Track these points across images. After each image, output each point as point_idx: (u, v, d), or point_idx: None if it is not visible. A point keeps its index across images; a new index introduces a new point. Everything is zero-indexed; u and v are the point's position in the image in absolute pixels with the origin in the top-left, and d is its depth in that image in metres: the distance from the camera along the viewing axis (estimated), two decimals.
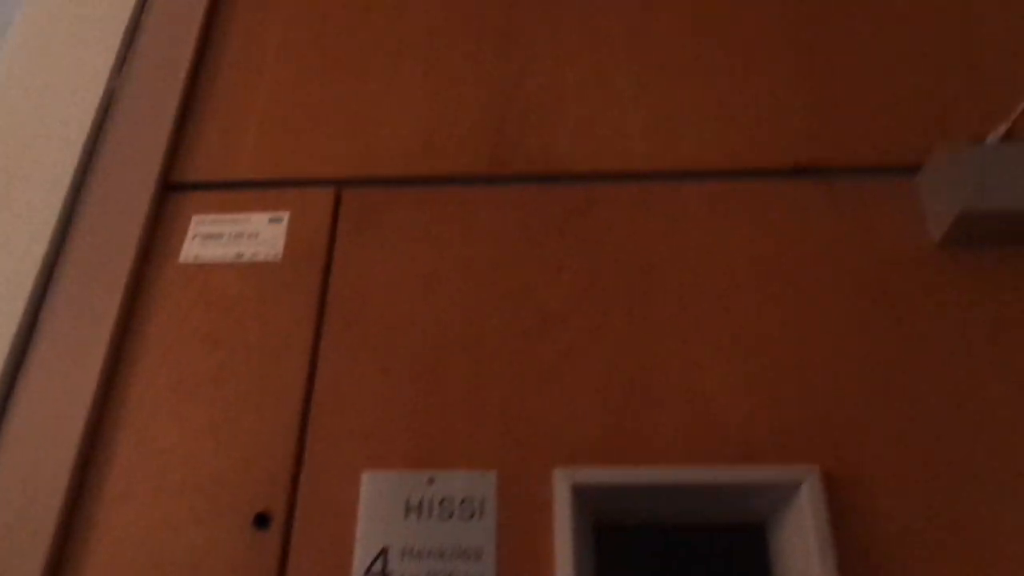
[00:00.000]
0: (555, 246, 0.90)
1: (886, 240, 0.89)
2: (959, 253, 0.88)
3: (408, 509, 0.76)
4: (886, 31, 1.02)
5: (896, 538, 0.74)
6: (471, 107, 0.99)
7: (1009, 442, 0.78)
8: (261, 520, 0.77)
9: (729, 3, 1.05)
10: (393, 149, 0.97)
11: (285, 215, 0.94)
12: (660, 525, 0.81)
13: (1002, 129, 0.89)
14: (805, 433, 0.78)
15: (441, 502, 0.76)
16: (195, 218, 0.96)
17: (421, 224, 0.93)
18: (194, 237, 0.95)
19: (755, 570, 0.80)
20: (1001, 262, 0.87)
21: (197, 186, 0.98)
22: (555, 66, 1.02)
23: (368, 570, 0.74)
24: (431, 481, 0.77)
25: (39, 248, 0.93)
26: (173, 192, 0.98)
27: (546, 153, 0.95)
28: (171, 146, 0.99)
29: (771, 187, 0.93)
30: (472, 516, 0.75)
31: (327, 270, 0.90)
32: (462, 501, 0.76)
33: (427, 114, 0.99)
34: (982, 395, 0.80)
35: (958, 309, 0.85)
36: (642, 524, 0.81)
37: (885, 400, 0.80)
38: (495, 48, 1.03)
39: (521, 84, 1.00)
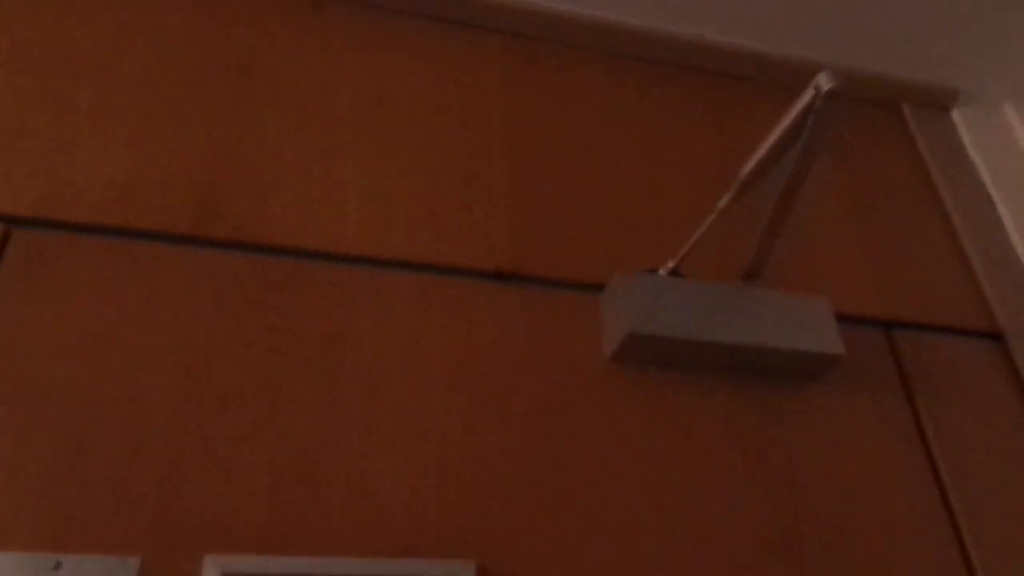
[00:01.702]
0: (248, 319, 0.87)
1: (568, 351, 0.97)
2: (625, 369, 0.97)
3: None
4: (592, 162, 1.14)
5: None
6: (181, 162, 0.94)
7: (652, 546, 0.86)
8: None
9: (458, 118, 1.11)
10: (83, 193, 0.89)
11: None
12: None
13: (671, 264, 1.02)
14: (465, 529, 0.81)
15: None
16: None
17: (101, 278, 0.85)
18: None
19: None
20: (659, 381, 0.98)
21: None
22: (279, 139, 1.00)
23: None
24: (58, 566, 0.69)
25: None
26: None
27: (254, 222, 0.93)
28: None
29: (473, 287, 0.98)
30: None
31: None
32: None
33: (130, 162, 0.93)
34: (631, 503, 0.88)
35: (619, 418, 0.93)
36: None
37: (545, 500, 0.85)
38: (220, 109, 1.00)
39: (240, 150, 0.98)
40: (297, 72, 1.07)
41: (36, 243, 0.85)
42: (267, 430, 0.81)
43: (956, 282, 1.20)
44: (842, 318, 1.03)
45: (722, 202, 0.96)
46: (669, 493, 0.90)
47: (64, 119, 0.94)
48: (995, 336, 1.16)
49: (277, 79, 1.05)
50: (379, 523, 0.79)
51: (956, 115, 1.41)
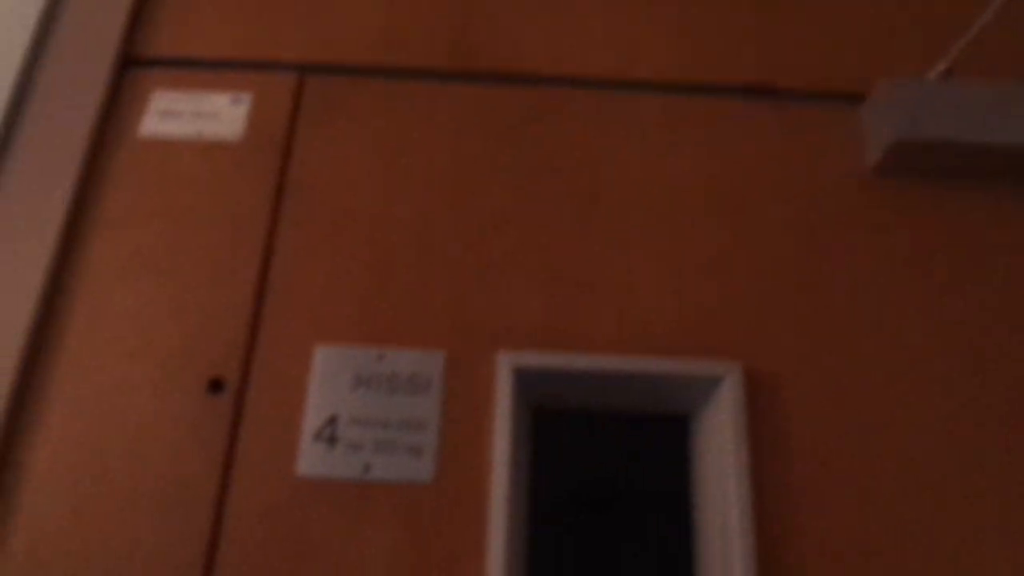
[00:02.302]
0: (509, 147, 0.93)
1: (825, 164, 0.94)
2: (891, 182, 0.93)
3: (358, 382, 0.80)
4: None
5: (809, 434, 0.81)
6: (436, 7, 1.00)
7: (917, 352, 0.85)
8: (215, 386, 0.80)
9: None
10: (355, 37, 0.98)
11: (247, 97, 0.95)
12: (593, 412, 0.87)
13: (941, 66, 0.94)
14: (731, 333, 0.85)
15: (390, 377, 0.80)
16: (155, 94, 0.95)
17: (381, 116, 0.94)
18: (153, 114, 0.95)
19: (677, 461, 0.87)
20: (926, 194, 0.93)
21: (157, 62, 0.97)
22: None
23: (318, 434, 0.78)
24: (381, 357, 0.81)
25: None
26: (132, 67, 0.97)
27: (507, 53, 0.97)
28: (131, 20, 0.98)
29: (723, 105, 0.97)
30: (419, 391, 0.80)
31: (287, 154, 0.92)
32: (410, 377, 0.80)
33: (390, 4, 1.00)
34: (896, 310, 0.87)
35: (883, 232, 0.91)
36: (577, 411, 0.87)
37: (805, 308, 0.86)
38: None
39: None
40: None
41: (325, 88, 0.96)
42: (536, 246, 0.88)
43: None
44: None
45: None
46: (938, 305, 0.87)
47: None
48: None
49: None
50: (646, 326, 0.84)
51: None
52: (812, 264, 0.88)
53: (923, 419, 0.82)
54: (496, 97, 0.96)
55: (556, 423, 0.86)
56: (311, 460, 0.77)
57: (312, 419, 0.79)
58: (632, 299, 0.86)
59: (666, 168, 0.93)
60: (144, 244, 0.87)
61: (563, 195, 0.91)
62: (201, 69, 0.96)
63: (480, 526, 0.75)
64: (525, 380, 0.81)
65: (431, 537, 0.75)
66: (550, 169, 0.92)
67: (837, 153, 0.95)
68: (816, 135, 0.96)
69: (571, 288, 0.86)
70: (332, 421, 0.78)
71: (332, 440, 0.78)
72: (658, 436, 0.89)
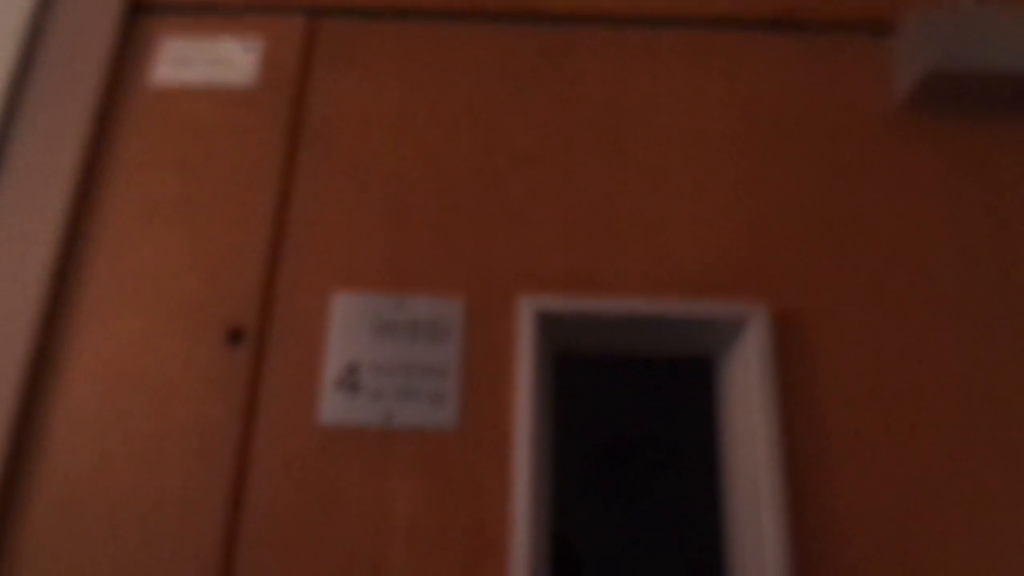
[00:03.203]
0: (529, 88, 0.91)
1: (853, 98, 0.91)
2: (922, 115, 0.90)
3: (378, 329, 0.79)
4: None
5: (836, 375, 0.80)
6: None
7: (950, 290, 0.83)
8: (234, 336, 0.80)
9: None
10: None
11: (259, 43, 0.93)
12: (616, 356, 0.86)
13: None
14: (757, 273, 0.83)
15: (410, 324, 0.79)
16: (165, 42, 0.94)
17: (396, 58, 0.92)
18: (165, 62, 0.93)
19: (701, 404, 0.86)
20: (959, 127, 0.90)
21: (166, 8, 0.95)
22: None
23: (339, 382, 0.77)
24: (401, 304, 0.81)
25: (2, 70, 0.91)
26: (141, 14, 0.95)
27: None
28: None
29: (748, 38, 0.93)
30: (440, 338, 0.79)
31: (301, 99, 0.90)
32: (430, 324, 0.79)
33: None
34: (927, 247, 0.84)
35: (913, 167, 0.88)
36: (599, 355, 0.86)
37: (834, 247, 0.84)
38: None
39: None
40: None
41: (337, 31, 0.93)
42: (560, 186, 0.86)
43: None
44: None
45: None
46: (971, 241, 0.84)
47: None
48: None
49: None
50: (671, 266, 0.83)
51: None
52: (840, 201, 0.86)
53: (957, 359, 0.80)
54: (514, 37, 0.93)
55: (578, 368, 0.85)
56: (333, 408, 0.77)
57: (333, 367, 0.78)
58: (656, 240, 0.84)
59: (689, 106, 0.90)
60: (160, 194, 0.87)
61: (584, 135, 0.89)
62: (210, 14, 0.94)
63: (505, 470, 0.75)
64: (547, 324, 0.80)
65: (456, 482, 0.75)
66: (571, 109, 0.90)
67: (865, 86, 0.92)
68: (843, 68, 0.92)
69: (593, 230, 0.84)
70: (353, 369, 0.78)
71: (354, 388, 0.77)
72: (681, 380, 0.87)
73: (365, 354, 0.78)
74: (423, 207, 0.85)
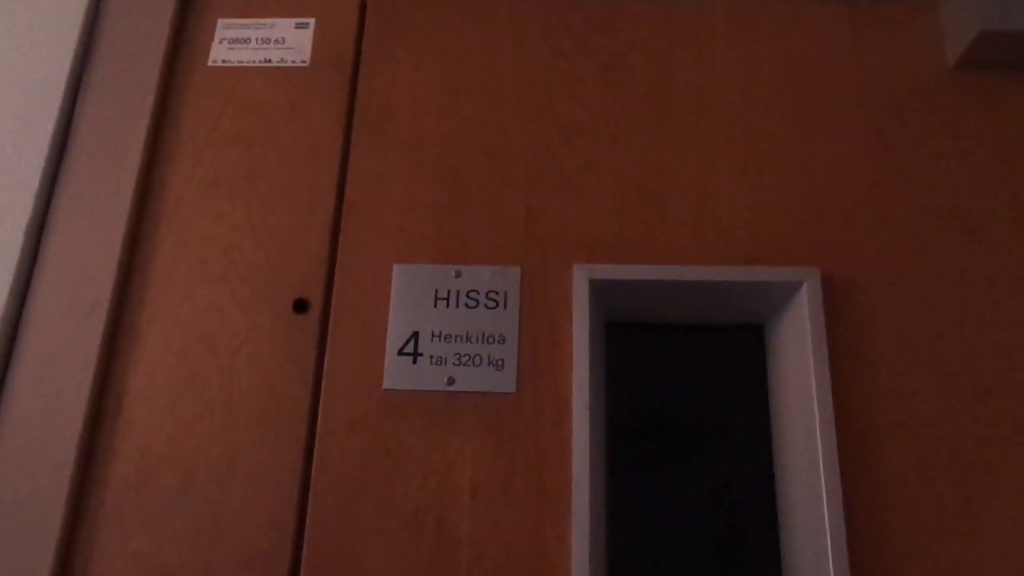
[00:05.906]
0: (577, 59, 0.92)
1: (903, 60, 0.91)
2: (973, 77, 0.90)
3: (437, 298, 0.82)
4: None
5: (887, 340, 0.81)
6: None
7: (1003, 255, 0.83)
8: (300, 306, 0.83)
9: None
10: None
11: (311, 21, 0.95)
12: (667, 324, 0.87)
13: None
14: (807, 238, 0.84)
15: (468, 293, 0.82)
16: (220, 22, 0.96)
17: (445, 33, 0.94)
18: (220, 41, 0.95)
19: (753, 370, 0.87)
20: (1012, 89, 0.89)
21: None
22: None
23: (401, 350, 0.80)
24: (458, 274, 0.83)
25: (65, 55, 0.94)
26: None
27: None
28: None
29: (796, 4, 0.93)
30: (497, 306, 0.81)
31: (355, 76, 0.92)
32: (487, 292, 0.82)
33: None
34: (977, 212, 0.85)
35: (965, 130, 0.88)
36: (651, 322, 0.87)
37: (885, 210, 0.85)
38: None
39: None
40: None
41: (388, 7, 0.95)
42: (609, 156, 0.88)
43: None
44: None
45: None
46: None
47: None
48: None
49: None
50: (722, 233, 0.84)
51: None
52: (891, 165, 0.86)
53: (1009, 321, 0.81)
54: (561, 8, 0.94)
55: (631, 335, 0.87)
56: (396, 374, 0.80)
57: (395, 335, 0.81)
58: (706, 207, 0.85)
59: (738, 73, 0.90)
60: (222, 170, 0.90)
61: (633, 105, 0.90)
62: None
63: (564, 432, 0.78)
64: (600, 293, 0.82)
65: (517, 444, 0.78)
66: (619, 79, 0.91)
67: (916, 49, 0.91)
68: (893, 32, 0.92)
69: (644, 199, 0.86)
70: (414, 337, 0.81)
71: (416, 355, 0.80)
72: (732, 346, 0.89)
73: (425, 323, 0.81)
74: (476, 180, 0.87)
